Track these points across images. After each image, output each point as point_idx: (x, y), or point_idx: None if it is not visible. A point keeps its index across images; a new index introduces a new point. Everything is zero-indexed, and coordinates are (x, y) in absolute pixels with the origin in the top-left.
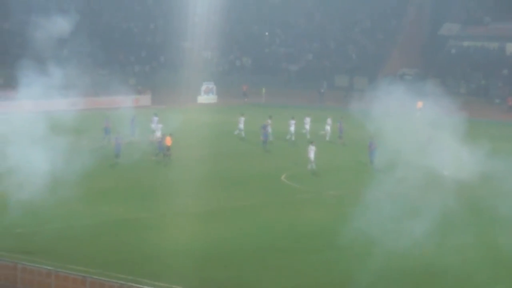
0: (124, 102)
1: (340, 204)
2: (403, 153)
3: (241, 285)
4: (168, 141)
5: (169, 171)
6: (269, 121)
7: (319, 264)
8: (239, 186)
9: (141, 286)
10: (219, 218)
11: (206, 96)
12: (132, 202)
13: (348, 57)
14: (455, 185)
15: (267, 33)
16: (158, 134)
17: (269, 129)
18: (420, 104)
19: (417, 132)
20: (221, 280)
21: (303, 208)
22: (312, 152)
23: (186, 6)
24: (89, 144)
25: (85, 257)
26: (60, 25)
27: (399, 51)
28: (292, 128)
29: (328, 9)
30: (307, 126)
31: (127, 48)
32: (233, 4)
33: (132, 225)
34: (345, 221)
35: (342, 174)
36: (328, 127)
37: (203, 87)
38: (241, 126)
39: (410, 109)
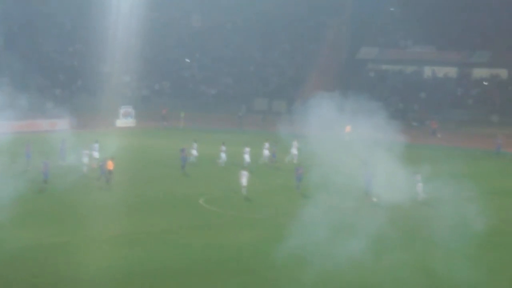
0: (42, 126)
1: (259, 227)
2: (333, 177)
3: None
4: (110, 165)
5: (91, 195)
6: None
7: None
8: (156, 210)
9: None
10: (137, 242)
11: (125, 120)
12: (53, 226)
13: (268, 81)
14: (386, 208)
15: (188, 60)
16: (85, 160)
17: (186, 153)
18: (348, 128)
19: (349, 156)
20: None
21: (220, 232)
22: (244, 177)
23: (105, 30)
24: (12, 168)
25: (1, 282)
26: None
27: (317, 75)
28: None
29: (247, 33)
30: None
31: (45, 72)
32: (152, 29)
33: (51, 250)
34: (263, 244)
35: (265, 198)
36: (294, 150)
37: (122, 111)
38: (195, 152)
39: (339, 132)
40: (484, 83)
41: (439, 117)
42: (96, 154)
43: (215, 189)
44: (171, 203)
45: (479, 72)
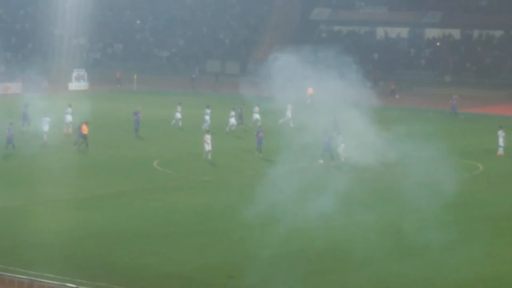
0: None
1: (213, 189)
2: (295, 139)
3: (115, 272)
4: (84, 129)
5: (48, 160)
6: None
7: (193, 250)
8: (111, 173)
9: (13, 275)
10: (92, 206)
11: (77, 83)
12: (10, 191)
13: (220, 42)
14: (352, 169)
15: (138, 21)
16: (46, 128)
17: (140, 116)
18: (310, 90)
19: (313, 118)
20: (94, 267)
21: (176, 194)
22: (208, 141)
23: None
24: None
25: None
26: None
27: (270, 36)
28: (233, 120)
29: None
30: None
31: None
32: None
33: (4, 214)
34: (218, 206)
35: (222, 160)
36: (289, 113)
37: (74, 74)
38: (178, 115)
39: (301, 94)
40: (437, 43)
41: (393, 77)
42: (69, 118)
43: (169, 151)
44: (125, 166)
45: (431, 32)
